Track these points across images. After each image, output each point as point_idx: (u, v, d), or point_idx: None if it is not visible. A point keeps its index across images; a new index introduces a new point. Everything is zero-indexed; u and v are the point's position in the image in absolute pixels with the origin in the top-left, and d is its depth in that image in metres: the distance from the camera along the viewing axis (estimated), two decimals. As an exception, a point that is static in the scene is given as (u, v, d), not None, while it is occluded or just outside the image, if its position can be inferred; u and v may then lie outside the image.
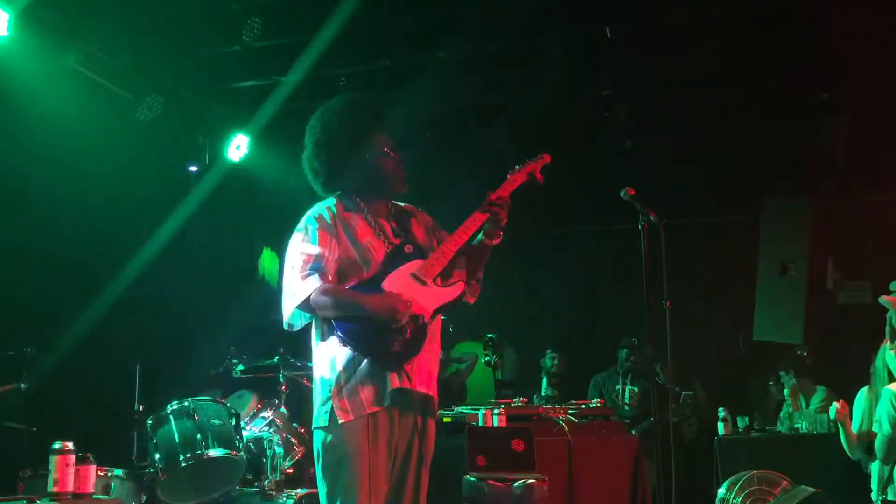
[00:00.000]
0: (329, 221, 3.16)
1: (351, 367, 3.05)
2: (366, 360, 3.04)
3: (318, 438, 3.09)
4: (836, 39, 5.99)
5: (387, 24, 6.01)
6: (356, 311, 3.02)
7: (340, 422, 3.00)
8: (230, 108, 7.11)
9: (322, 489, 3.07)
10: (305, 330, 3.23)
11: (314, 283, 3.04)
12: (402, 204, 3.39)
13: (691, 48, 6.32)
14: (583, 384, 7.59)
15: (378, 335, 3.01)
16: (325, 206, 3.22)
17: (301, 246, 3.11)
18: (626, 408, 7.24)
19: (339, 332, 3.06)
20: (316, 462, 3.11)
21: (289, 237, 3.20)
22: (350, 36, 5.84)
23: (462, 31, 5.96)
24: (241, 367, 5.78)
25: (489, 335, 6.24)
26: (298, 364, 5.65)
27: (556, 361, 7.77)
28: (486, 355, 6.22)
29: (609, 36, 5.89)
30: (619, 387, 7.44)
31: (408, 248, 3.19)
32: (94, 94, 5.91)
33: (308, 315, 3.14)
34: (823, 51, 6.16)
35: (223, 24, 5.95)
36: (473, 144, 7.66)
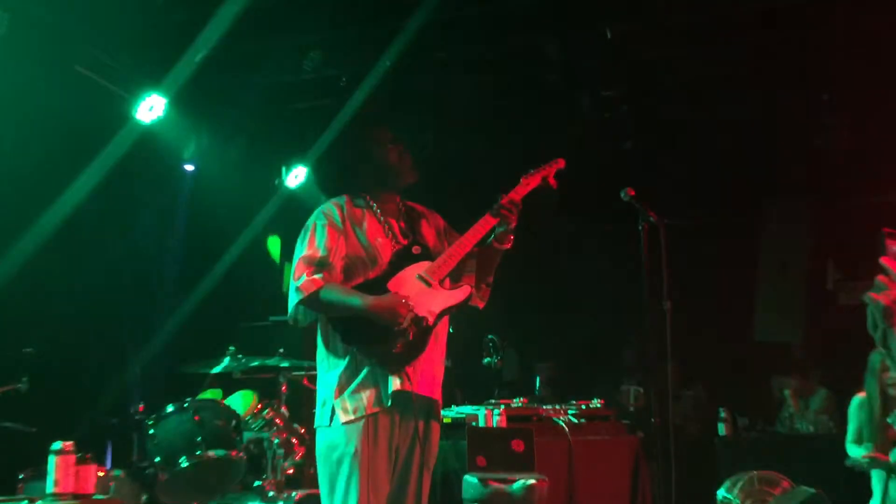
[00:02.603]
0: (338, 218, 3.16)
1: (353, 367, 3.05)
2: (368, 361, 3.03)
3: (319, 437, 3.09)
4: (836, 40, 5.99)
5: (387, 24, 5.99)
6: (358, 311, 3.00)
7: (341, 421, 3.01)
8: (233, 108, 7.09)
9: (323, 488, 3.08)
10: (307, 330, 3.23)
11: (319, 279, 3.03)
12: (413, 204, 3.39)
13: (691, 49, 6.32)
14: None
15: (380, 336, 3.00)
16: (335, 203, 3.22)
17: (309, 241, 3.11)
18: (631, 408, 7.23)
19: (341, 331, 3.06)
20: (317, 461, 3.11)
21: (290, 236, 3.20)
22: (350, 36, 5.83)
23: (462, 31, 5.95)
24: (241, 367, 5.77)
25: (490, 336, 6.22)
26: (298, 364, 5.64)
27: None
28: (487, 357, 6.20)
29: (609, 36, 5.89)
30: (623, 387, 7.42)
31: (416, 249, 3.18)
32: (95, 94, 5.90)
33: (313, 312, 3.13)
34: (823, 51, 6.16)
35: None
36: (473, 145, 7.64)
